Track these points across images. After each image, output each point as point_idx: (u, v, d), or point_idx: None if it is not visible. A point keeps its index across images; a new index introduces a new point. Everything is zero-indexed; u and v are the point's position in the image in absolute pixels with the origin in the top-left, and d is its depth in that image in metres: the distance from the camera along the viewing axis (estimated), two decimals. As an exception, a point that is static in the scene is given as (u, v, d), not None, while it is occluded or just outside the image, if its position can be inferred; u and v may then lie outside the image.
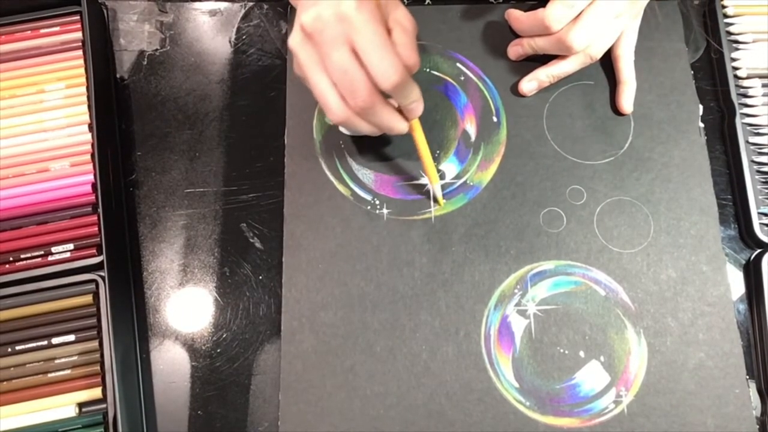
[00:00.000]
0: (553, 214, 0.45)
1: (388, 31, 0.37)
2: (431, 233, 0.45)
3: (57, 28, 0.49)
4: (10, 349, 0.41)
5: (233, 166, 0.48)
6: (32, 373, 0.41)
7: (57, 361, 0.41)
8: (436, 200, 0.45)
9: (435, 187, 0.45)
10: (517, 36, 0.49)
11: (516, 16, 0.48)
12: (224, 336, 0.44)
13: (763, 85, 0.48)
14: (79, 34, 0.48)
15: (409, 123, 0.41)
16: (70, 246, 0.43)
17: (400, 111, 0.40)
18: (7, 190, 0.44)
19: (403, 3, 0.51)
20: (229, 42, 0.51)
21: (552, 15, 0.43)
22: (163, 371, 0.43)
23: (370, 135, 0.41)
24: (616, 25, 0.45)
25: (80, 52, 0.48)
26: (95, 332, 0.41)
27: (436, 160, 0.47)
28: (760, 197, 0.46)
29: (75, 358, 0.41)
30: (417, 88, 0.39)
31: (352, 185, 0.46)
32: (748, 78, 0.49)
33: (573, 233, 0.45)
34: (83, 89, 0.47)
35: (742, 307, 0.45)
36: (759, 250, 0.45)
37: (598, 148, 0.47)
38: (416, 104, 0.40)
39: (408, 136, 0.47)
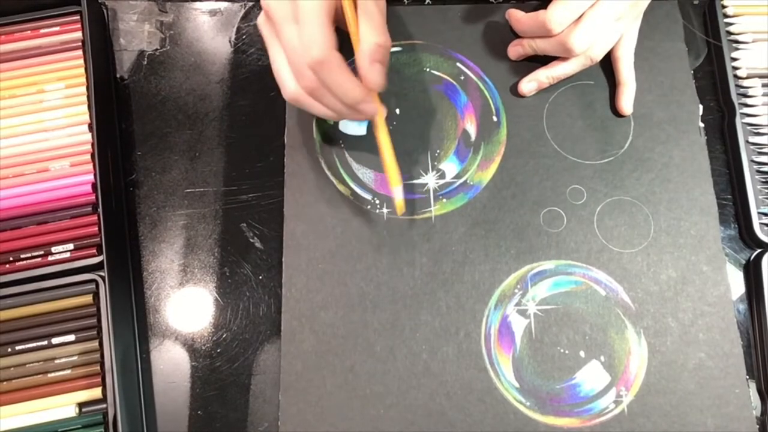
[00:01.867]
0: (553, 214, 0.45)
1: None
2: (431, 233, 0.45)
3: (57, 28, 0.49)
4: (10, 349, 0.41)
5: (233, 166, 0.48)
6: (32, 373, 0.41)
7: (57, 361, 0.41)
8: (397, 205, 0.43)
9: (394, 190, 0.43)
10: (517, 36, 0.49)
11: (517, 17, 0.48)
12: (224, 336, 0.44)
13: (763, 85, 0.48)
14: (79, 34, 0.48)
15: (367, 115, 0.40)
16: (70, 246, 0.43)
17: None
18: (7, 190, 0.44)
19: (403, 2, 0.51)
20: (229, 42, 0.51)
21: (553, 17, 0.43)
22: (163, 371, 0.43)
23: (328, 118, 0.42)
24: (616, 28, 0.45)
25: (80, 52, 0.48)
26: (95, 332, 0.41)
27: (437, 159, 0.47)
28: (760, 197, 0.46)
29: (75, 358, 0.41)
30: (356, 90, 0.38)
31: (352, 185, 0.46)
32: (748, 78, 0.49)
33: (573, 233, 0.45)
34: (83, 89, 0.47)
35: (742, 307, 0.45)
36: (759, 250, 0.45)
37: (598, 148, 0.47)
38: (361, 106, 0.39)
39: (410, 136, 0.47)
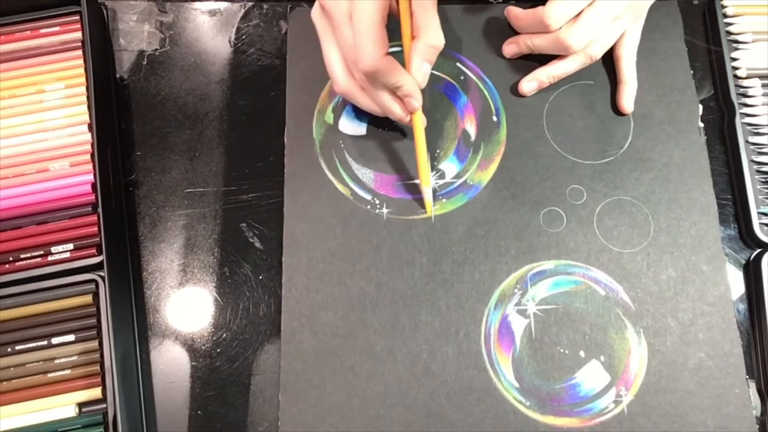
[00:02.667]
0: (553, 214, 0.45)
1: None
2: (431, 233, 0.45)
3: (57, 28, 0.48)
4: (10, 349, 0.41)
5: (233, 166, 0.48)
6: (32, 373, 0.41)
7: (57, 361, 0.41)
8: (426, 205, 0.45)
9: (425, 190, 0.44)
10: (516, 35, 0.49)
11: (515, 14, 0.48)
12: (224, 336, 0.44)
13: (763, 85, 0.48)
14: (78, 34, 0.48)
15: (408, 114, 0.42)
16: (70, 246, 0.43)
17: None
18: (7, 190, 0.44)
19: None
20: (229, 42, 0.51)
21: (551, 13, 0.43)
22: (163, 371, 0.43)
23: (372, 113, 0.44)
24: (615, 27, 0.45)
25: (80, 52, 0.48)
26: (95, 332, 0.41)
27: (436, 159, 0.47)
28: (760, 197, 0.46)
29: (75, 358, 0.41)
30: (409, 81, 0.40)
31: (351, 185, 0.46)
32: (747, 78, 0.49)
33: (573, 233, 0.45)
34: (83, 89, 0.47)
35: (742, 307, 0.45)
36: (759, 250, 0.45)
37: (598, 148, 0.47)
38: (408, 99, 0.41)
39: (410, 136, 0.47)
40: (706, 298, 0.43)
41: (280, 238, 0.45)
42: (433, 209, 0.45)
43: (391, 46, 0.39)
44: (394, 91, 0.41)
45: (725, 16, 0.50)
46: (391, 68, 0.39)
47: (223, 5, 0.52)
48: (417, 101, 0.41)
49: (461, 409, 0.41)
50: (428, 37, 0.40)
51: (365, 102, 0.43)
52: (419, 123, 0.43)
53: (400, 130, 0.47)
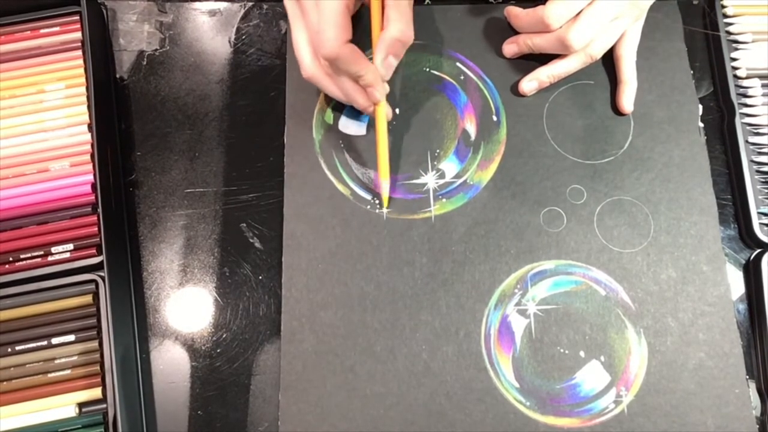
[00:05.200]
0: (554, 214, 0.45)
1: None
2: (431, 233, 0.45)
3: (57, 28, 0.48)
4: (10, 349, 0.41)
5: (233, 166, 0.48)
6: (32, 373, 0.41)
7: (57, 361, 0.41)
8: (383, 199, 0.45)
9: (383, 183, 0.44)
10: (516, 35, 0.49)
11: (515, 14, 0.48)
12: (224, 336, 0.44)
13: (763, 85, 0.48)
14: (78, 34, 0.48)
15: (371, 104, 0.43)
16: (70, 246, 0.43)
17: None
18: (7, 190, 0.44)
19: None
20: (229, 42, 0.51)
21: (551, 12, 0.43)
22: (163, 371, 0.43)
23: (338, 100, 0.44)
24: (615, 26, 0.45)
25: (80, 52, 0.48)
26: (95, 332, 0.41)
27: (436, 159, 0.47)
28: (760, 197, 0.46)
29: (75, 358, 0.41)
30: (370, 72, 0.40)
31: (351, 185, 0.46)
32: (747, 78, 0.49)
33: (573, 233, 0.45)
34: (83, 89, 0.47)
35: (742, 307, 0.45)
36: (759, 250, 0.45)
37: (598, 148, 0.47)
38: (371, 90, 0.41)
39: (409, 136, 0.47)
40: (706, 298, 0.43)
41: (280, 238, 0.45)
42: (433, 207, 0.45)
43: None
44: (356, 80, 0.41)
45: (725, 16, 0.50)
46: (353, 57, 0.39)
47: (223, 5, 0.52)
48: (379, 93, 0.42)
49: (461, 409, 0.41)
50: (394, 29, 0.40)
51: (331, 88, 0.43)
52: (382, 115, 0.43)
53: (400, 131, 0.47)
